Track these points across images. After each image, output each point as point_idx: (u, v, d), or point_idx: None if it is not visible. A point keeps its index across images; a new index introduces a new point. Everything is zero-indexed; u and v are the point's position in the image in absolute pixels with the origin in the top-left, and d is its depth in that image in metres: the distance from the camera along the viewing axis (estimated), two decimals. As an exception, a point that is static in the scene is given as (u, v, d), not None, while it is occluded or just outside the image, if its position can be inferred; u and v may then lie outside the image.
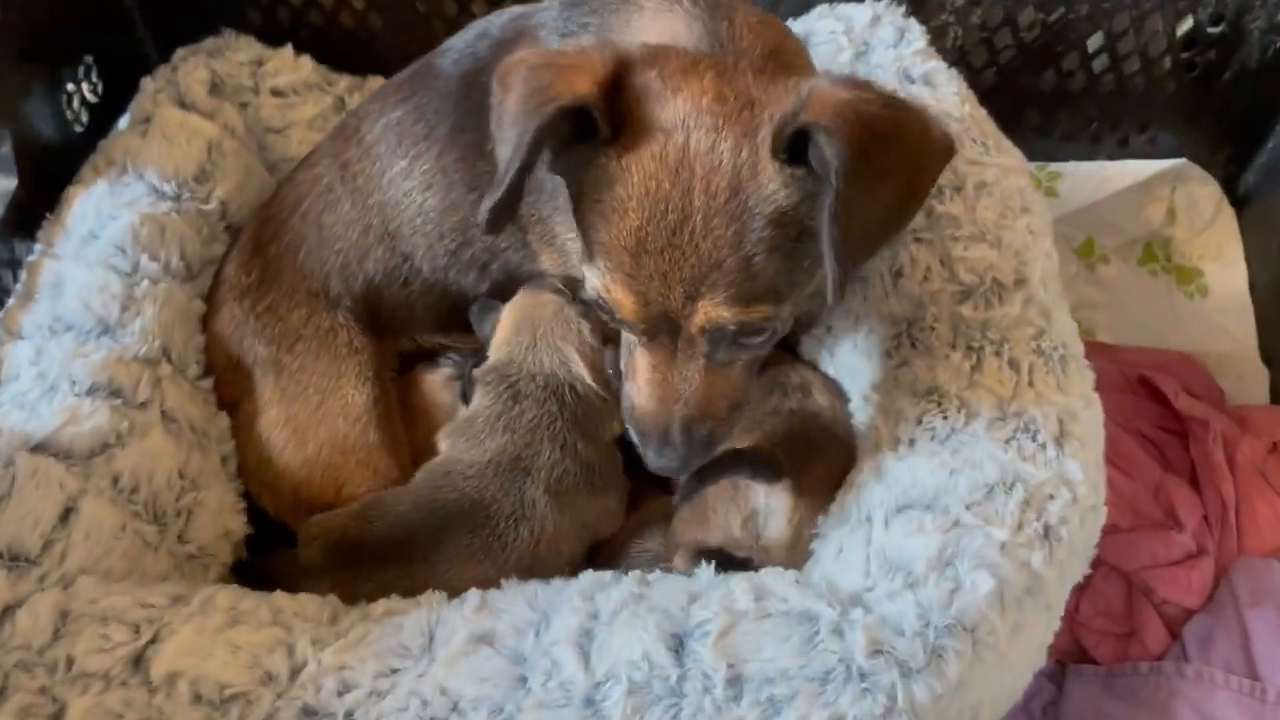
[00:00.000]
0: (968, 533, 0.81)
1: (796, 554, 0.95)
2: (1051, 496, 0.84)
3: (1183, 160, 1.40)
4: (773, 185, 0.74)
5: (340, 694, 0.79)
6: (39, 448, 0.89)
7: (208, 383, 1.04)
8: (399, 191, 1.04)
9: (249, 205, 1.15)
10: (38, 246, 1.04)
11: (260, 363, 1.03)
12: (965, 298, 0.97)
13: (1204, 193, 1.41)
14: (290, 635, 0.83)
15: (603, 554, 1.05)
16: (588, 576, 0.88)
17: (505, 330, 1.04)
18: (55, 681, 0.78)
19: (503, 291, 1.07)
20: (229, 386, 1.05)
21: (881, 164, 0.71)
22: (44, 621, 0.80)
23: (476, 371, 1.02)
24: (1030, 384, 0.91)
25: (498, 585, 0.88)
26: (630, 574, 0.89)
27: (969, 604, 0.77)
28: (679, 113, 0.75)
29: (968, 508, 0.83)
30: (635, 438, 0.87)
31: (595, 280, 0.80)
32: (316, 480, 1.01)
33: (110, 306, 0.99)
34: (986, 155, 1.06)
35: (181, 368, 1.02)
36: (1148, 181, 1.40)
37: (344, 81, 1.27)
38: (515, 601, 0.87)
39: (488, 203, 0.75)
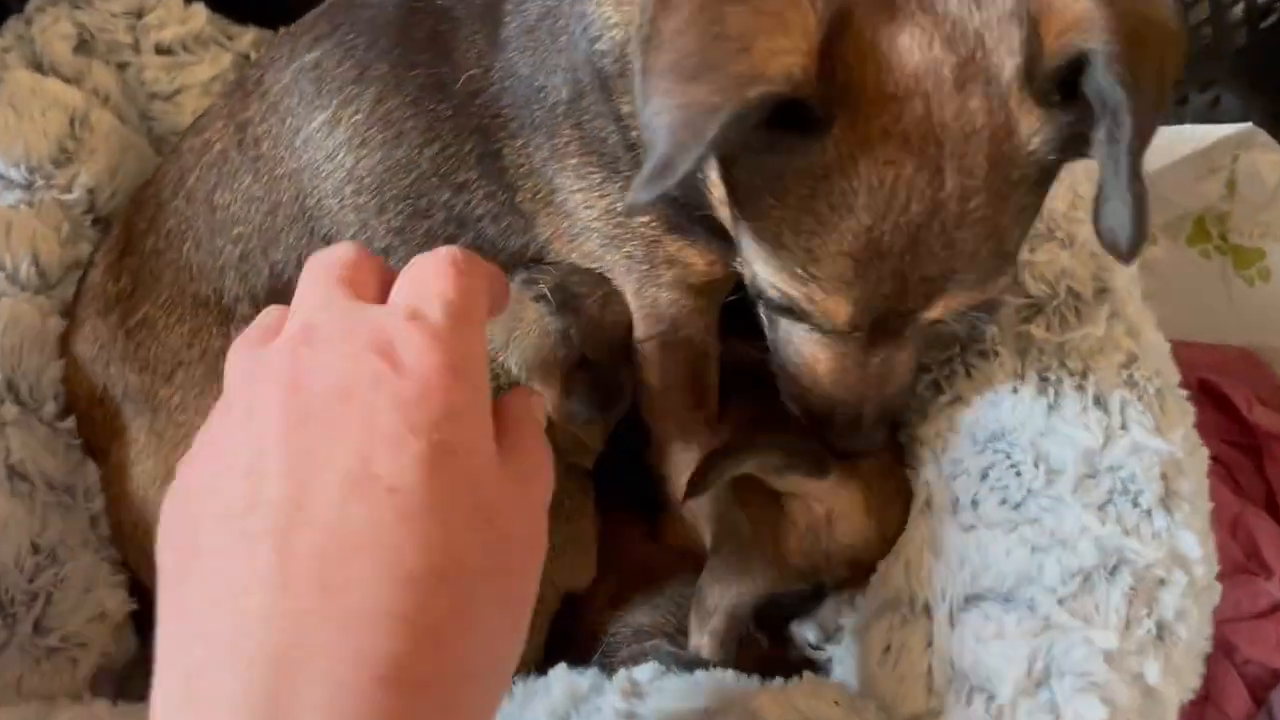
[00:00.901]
0: (1063, 636, 0.62)
1: (887, 546, 0.77)
2: (1163, 581, 0.65)
3: (1248, 125, 1.20)
4: (1035, 139, 0.55)
5: None
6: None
7: (69, 423, 0.81)
8: (319, 154, 0.81)
9: (125, 192, 0.91)
10: None
11: (131, 396, 0.80)
12: (1034, 314, 0.77)
13: (1269, 162, 1.21)
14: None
15: (582, 625, 0.84)
16: (558, 677, 0.69)
17: None
18: None
19: None
20: (95, 426, 0.82)
21: (1154, 70, 0.53)
22: None
23: None
24: (1124, 427, 0.71)
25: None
26: (617, 678, 0.69)
27: (1073, 744, 0.58)
28: (909, 69, 0.54)
29: (1060, 602, 0.63)
30: (805, 418, 0.72)
31: (789, 288, 0.61)
32: None
33: (-63, 329, 0.76)
34: (1049, 127, 0.85)
35: (35, 406, 0.79)
36: (1207, 149, 1.20)
37: (249, 35, 1.02)
38: None
39: (645, 191, 0.52)
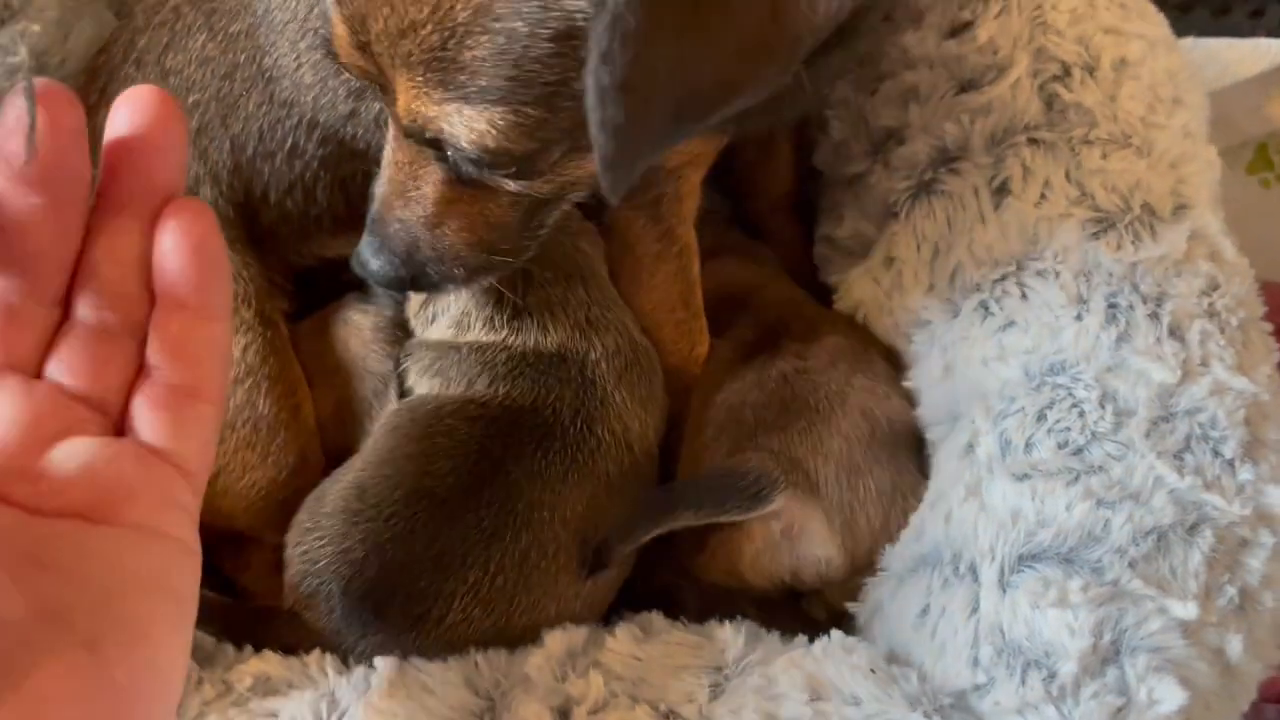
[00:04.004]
0: (1134, 606, 0.54)
1: (862, 557, 0.69)
2: (1246, 543, 0.57)
3: (1323, 43, 1.10)
4: None
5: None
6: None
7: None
8: (273, 1, 0.72)
9: (78, 59, 0.80)
10: None
11: None
12: (1104, 230, 0.67)
13: (1346, 82, 1.11)
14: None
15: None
16: (556, 639, 0.61)
17: None
18: None
19: None
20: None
21: None
22: None
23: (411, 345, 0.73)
24: (1204, 363, 0.62)
25: (606, 509, 0.66)
26: (620, 629, 0.61)
27: (1145, 730, 0.51)
28: None
29: (1131, 565, 0.55)
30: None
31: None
32: None
33: None
34: (1126, 21, 0.74)
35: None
36: (1274, 71, 1.10)
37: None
38: (446, 679, 0.59)
39: None
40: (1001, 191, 0.71)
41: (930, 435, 0.71)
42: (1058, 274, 0.67)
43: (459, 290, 0.69)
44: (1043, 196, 0.69)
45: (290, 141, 0.74)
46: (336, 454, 0.75)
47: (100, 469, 0.41)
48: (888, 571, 0.66)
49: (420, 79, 0.50)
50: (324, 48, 0.69)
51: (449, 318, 0.75)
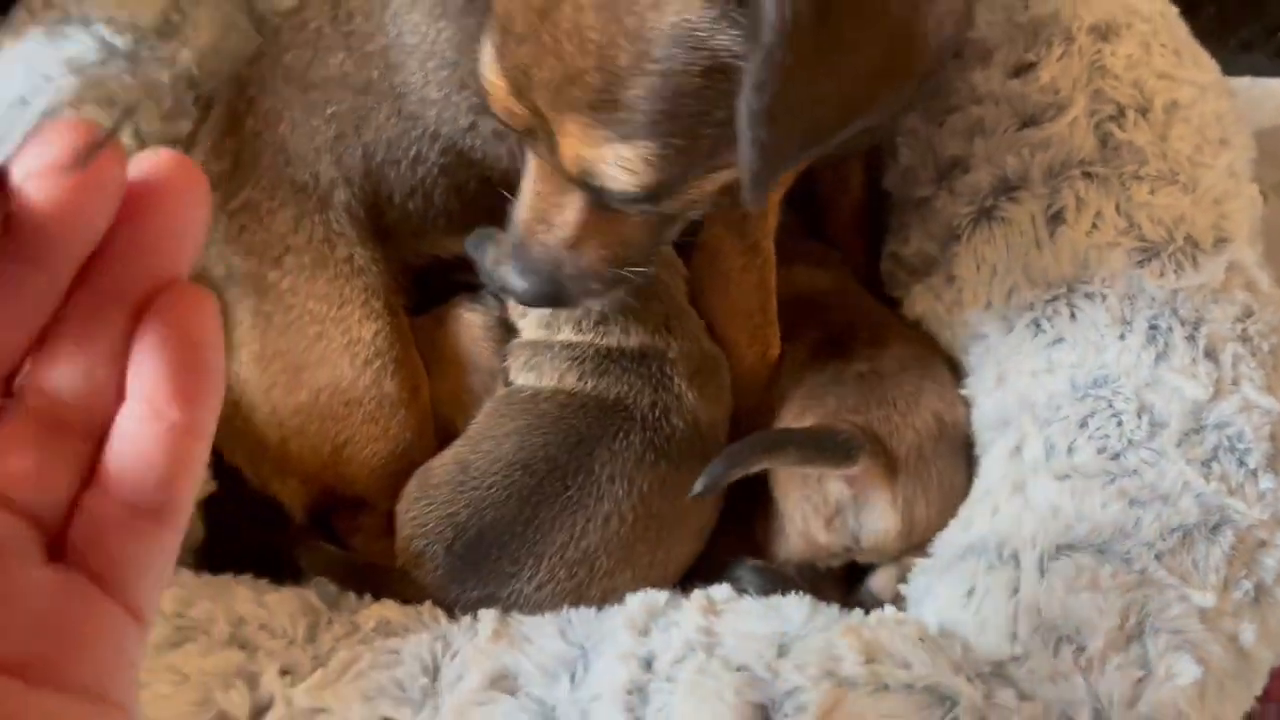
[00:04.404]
0: (1159, 593, 0.61)
1: (915, 538, 0.76)
2: (1264, 544, 0.64)
3: (1375, 81, 1.14)
4: (678, 13, 0.53)
5: (314, 752, 0.60)
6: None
7: (165, 300, 0.82)
8: (404, 27, 0.80)
9: (226, 70, 0.90)
10: (-49, 111, 0.80)
11: (236, 278, 0.80)
12: (1149, 258, 0.74)
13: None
14: (253, 661, 0.63)
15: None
16: (637, 601, 0.69)
17: None
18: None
19: None
20: (192, 306, 0.82)
21: (848, 30, 0.52)
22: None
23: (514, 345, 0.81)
24: (1234, 382, 0.69)
25: (679, 487, 0.73)
26: (694, 596, 0.69)
27: (1163, 699, 0.58)
28: None
29: (1158, 558, 0.62)
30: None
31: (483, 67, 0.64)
32: (311, 434, 0.79)
33: (39, 198, 0.76)
34: (1179, 67, 0.81)
35: (131, 281, 0.80)
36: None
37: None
38: (543, 630, 0.67)
39: None
40: (1056, 220, 0.78)
41: (981, 439, 0.78)
42: (1104, 297, 0.74)
43: (597, 303, 0.75)
44: (1094, 226, 0.76)
45: (414, 150, 0.83)
46: (443, 436, 0.84)
47: (45, 609, 0.31)
48: (937, 557, 0.73)
49: (583, 122, 0.58)
50: (458, 83, 0.79)
51: (539, 318, 0.83)
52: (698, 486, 0.73)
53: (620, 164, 0.58)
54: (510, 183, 0.83)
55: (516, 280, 0.69)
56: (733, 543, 0.81)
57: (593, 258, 0.67)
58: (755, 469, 0.75)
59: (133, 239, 0.31)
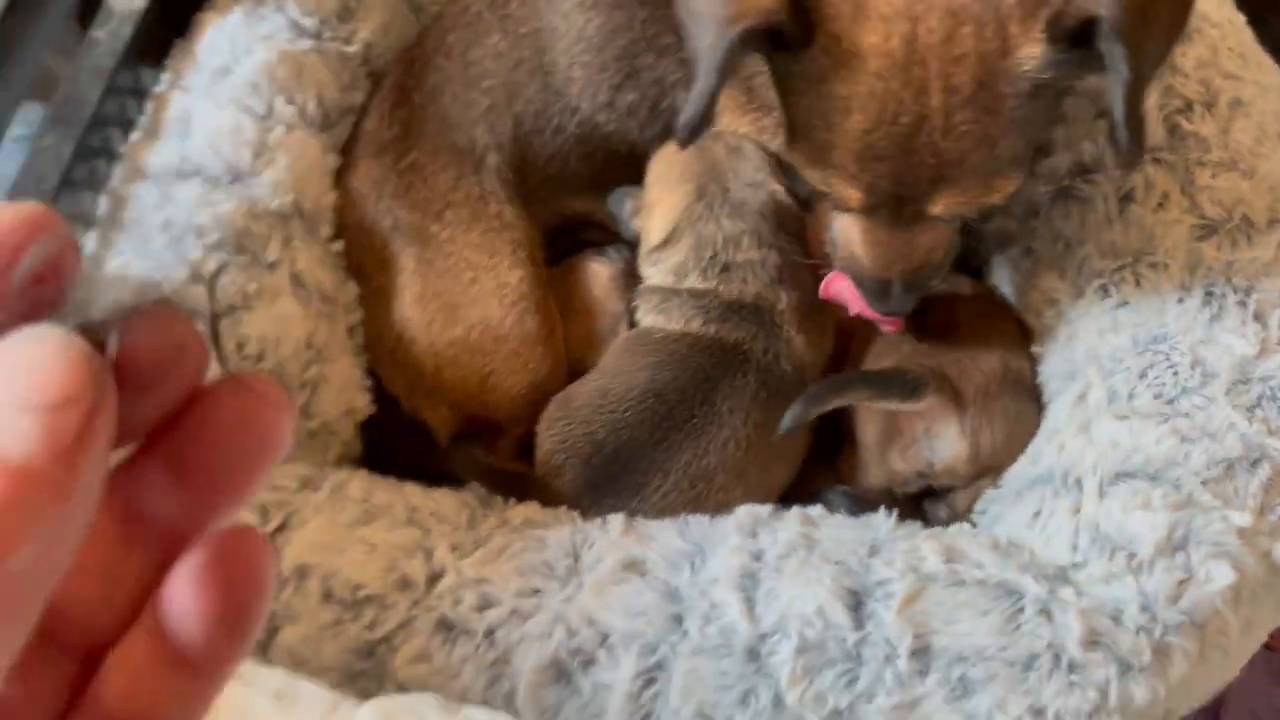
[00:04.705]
0: (1202, 513, 0.71)
1: (983, 463, 0.87)
2: (1297, 479, 0.73)
3: None
4: (1031, 63, 0.65)
5: (480, 610, 0.72)
6: (164, 303, 0.81)
7: (338, 245, 0.95)
8: (555, 14, 0.93)
9: (393, 51, 1.03)
10: (165, 77, 0.94)
11: (403, 229, 0.93)
12: (1208, 234, 0.84)
13: None
14: (428, 539, 0.76)
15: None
16: (744, 511, 0.80)
17: (671, 201, 0.93)
18: (179, 564, 0.72)
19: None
20: (362, 252, 0.95)
21: (1157, 33, 0.66)
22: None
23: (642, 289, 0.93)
24: (1278, 343, 0.79)
25: (802, 431, 0.86)
26: (793, 510, 0.80)
27: (1202, 598, 0.67)
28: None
29: (1203, 484, 0.72)
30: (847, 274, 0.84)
31: (811, 174, 0.72)
32: (462, 365, 0.92)
33: (242, 152, 0.89)
34: (1244, 69, 0.91)
35: (313, 227, 0.93)
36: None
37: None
38: (664, 530, 0.79)
39: (683, 117, 0.67)
40: (1127, 199, 0.88)
41: (1049, 389, 0.88)
42: (1167, 266, 0.84)
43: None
44: (1160, 205, 0.86)
45: (556, 122, 0.95)
46: (573, 373, 0.96)
47: None
48: (1006, 488, 0.83)
49: (960, 188, 0.69)
50: (599, 66, 0.91)
51: (670, 265, 0.94)
52: (786, 422, 0.84)
53: (984, 204, 0.71)
54: (633, 153, 0.96)
55: (883, 306, 0.82)
56: (822, 472, 0.92)
57: (935, 261, 0.80)
58: (833, 407, 0.86)
59: (201, 454, 0.26)
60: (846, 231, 0.80)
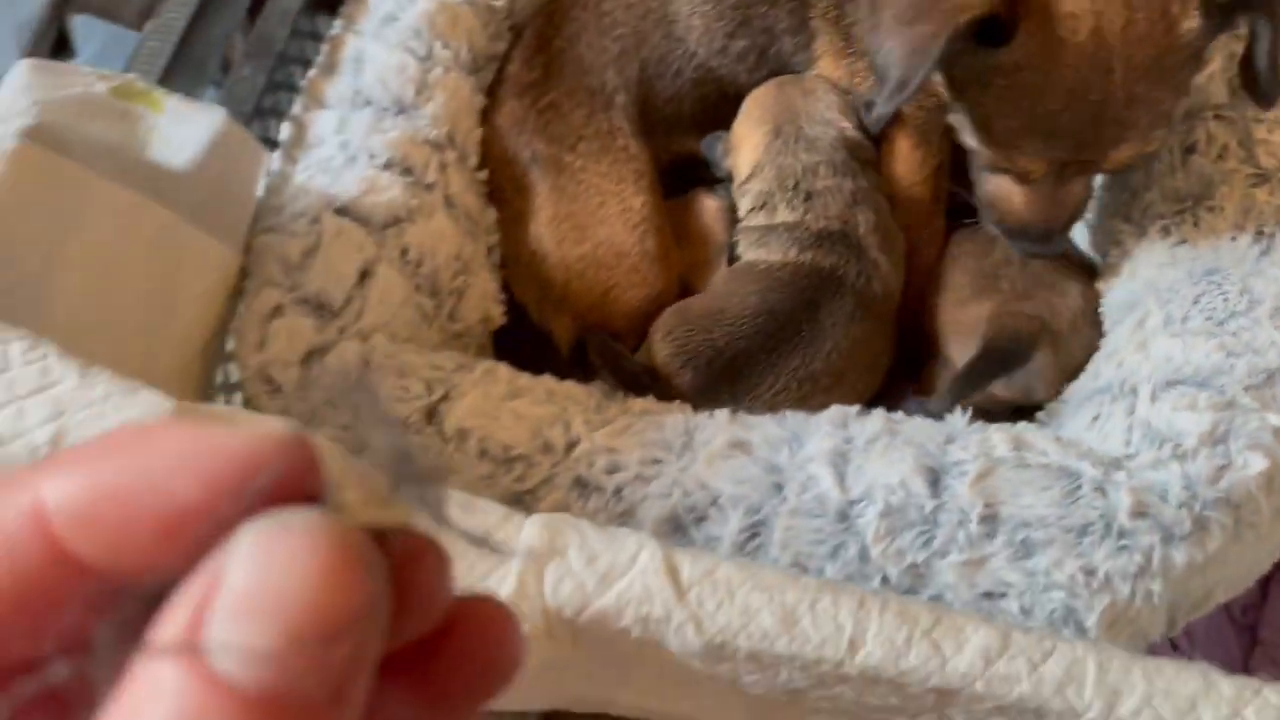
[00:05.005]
0: (1243, 414, 0.81)
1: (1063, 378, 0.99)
2: (1331, 391, 0.83)
3: None
4: (1191, 34, 0.79)
5: (610, 473, 0.85)
6: (342, 210, 0.95)
7: (482, 175, 1.08)
8: None
9: (531, 7, 1.17)
10: (339, 22, 1.08)
11: (540, 160, 1.06)
12: (1261, 182, 0.94)
13: None
14: (565, 413, 0.89)
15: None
16: (836, 409, 0.91)
17: (753, 140, 1.05)
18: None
19: None
20: (502, 180, 1.09)
21: None
22: (349, 366, 0.87)
23: (741, 228, 1.05)
24: (1320, 277, 0.89)
25: (873, 334, 0.99)
26: (878, 410, 0.92)
27: (1238, 482, 0.78)
28: None
29: (1245, 390, 0.82)
30: (998, 231, 0.96)
31: (994, 154, 0.86)
32: (588, 278, 1.05)
33: (406, 88, 1.03)
34: (1303, 36, 1.00)
35: (463, 156, 1.06)
36: None
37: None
38: (765, 421, 0.91)
39: (878, 110, 0.84)
40: (1189, 151, 0.98)
41: (1111, 318, 0.99)
42: (1223, 209, 0.94)
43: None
44: (1219, 156, 0.96)
45: (675, 66, 1.08)
46: (682, 294, 1.09)
47: None
48: (1069, 400, 0.94)
49: (1134, 148, 0.84)
50: (716, 15, 1.04)
51: (757, 194, 1.07)
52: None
53: (1145, 154, 0.86)
54: (739, 96, 1.08)
55: (1039, 249, 0.96)
56: (901, 386, 1.04)
57: (1083, 205, 0.94)
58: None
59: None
60: (1006, 195, 0.93)
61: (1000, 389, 0.98)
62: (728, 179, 1.11)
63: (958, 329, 1.02)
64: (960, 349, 1.00)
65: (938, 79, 0.92)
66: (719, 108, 1.10)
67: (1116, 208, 1.02)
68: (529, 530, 0.68)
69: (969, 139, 0.91)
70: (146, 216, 0.75)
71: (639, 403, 0.95)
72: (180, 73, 0.92)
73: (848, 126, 1.05)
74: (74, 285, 0.68)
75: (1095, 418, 0.88)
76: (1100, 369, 0.94)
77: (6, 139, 0.65)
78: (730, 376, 0.97)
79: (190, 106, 0.79)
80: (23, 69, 0.70)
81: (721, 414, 0.92)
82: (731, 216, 1.10)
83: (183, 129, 0.77)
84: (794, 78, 1.08)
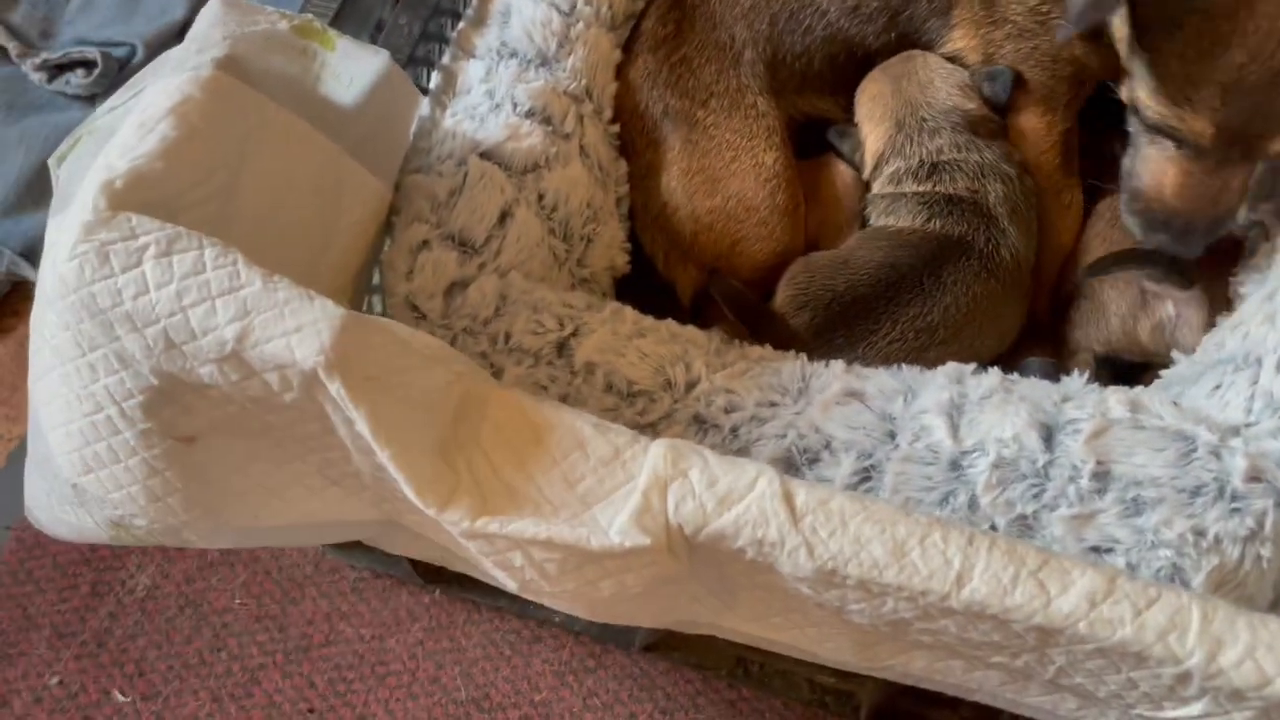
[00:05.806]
0: (1364, 389, 0.81)
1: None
2: None
3: None
4: None
5: (728, 411, 0.89)
6: (486, 154, 1.00)
7: (615, 128, 1.13)
8: None
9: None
10: (488, -23, 1.14)
11: (672, 114, 1.10)
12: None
13: None
14: (686, 354, 0.93)
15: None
16: (951, 365, 0.93)
17: (877, 134, 1.07)
18: (494, 350, 0.91)
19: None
20: (633, 134, 1.13)
21: None
22: (489, 299, 0.93)
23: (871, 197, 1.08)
24: None
25: (998, 298, 1.00)
26: (994, 370, 0.93)
27: (1356, 452, 0.78)
28: None
29: (1365, 361, 0.82)
30: (1137, 221, 0.94)
31: (1166, 109, 0.83)
32: (717, 230, 1.09)
33: (549, 41, 1.08)
34: None
35: (599, 109, 1.11)
36: None
37: None
38: (880, 372, 0.93)
39: (1076, 23, 0.83)
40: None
41: (1241, 291, 0.99)
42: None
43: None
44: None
45: (806, 23, 1.11)
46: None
47: None
48: (1189, 370, 0.94)
49: None
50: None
51: (888, 176, 1.09)
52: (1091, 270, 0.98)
53: None
54: (866, 59, 1.10)
55: (1182, 249, 0.93)
56: (1028, 347, 1.05)
57: (1233, 207, 0.91)
58: (1123, 271, 0.99)
59: None
60: (1160, 173, 0.90)
61: (1145, 334, 0.98)
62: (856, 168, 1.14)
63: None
64: (1116, 296, 1.01)
65: (1079, 49, 0.93)
66: (845, 69, 1.12)
67: (1259, 187, 1.01)
68: (655, 451, 0.73)
69: (1140, 89, 0.88)
70: (315, 146, 0.81)
71: (756, 350, 0.98)
72: (349, 17, 0.98)
73: (970, 105, 1.06)
74: (251, 204, 0.75)
75: (1216, 387, 0.88)
76: (1224, 340, 0.93)
77: (203, 67, 0.72)
78: (847, 321, 0.99)
79: (359, 47, 0.85)
80: (216, 6, 0.77)
81: (837, 364, 0.95)
82: (863, 185, 1.13)
83: (351, 67, 0.84)
84: (905, 68, 1.10)
